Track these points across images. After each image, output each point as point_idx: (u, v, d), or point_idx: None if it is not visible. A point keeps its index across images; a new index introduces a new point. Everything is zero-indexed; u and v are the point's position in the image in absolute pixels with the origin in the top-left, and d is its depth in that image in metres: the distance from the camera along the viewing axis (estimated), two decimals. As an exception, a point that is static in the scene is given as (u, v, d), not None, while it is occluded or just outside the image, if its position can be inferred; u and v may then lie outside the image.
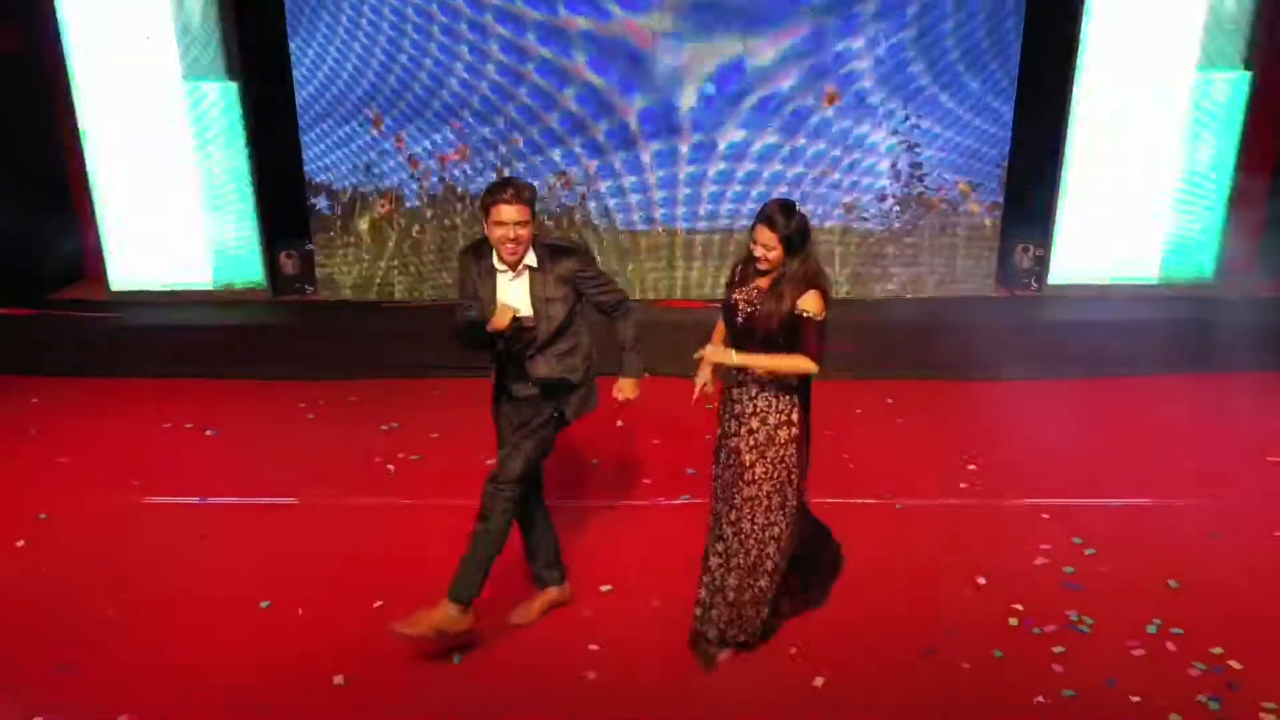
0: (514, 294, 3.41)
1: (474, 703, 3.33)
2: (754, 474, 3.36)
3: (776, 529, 3.41)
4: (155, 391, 6.13)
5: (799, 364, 3.26)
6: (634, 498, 4.76)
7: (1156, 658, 3.54)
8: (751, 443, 3.35)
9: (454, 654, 3.56)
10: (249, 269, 6.90)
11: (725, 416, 3.46)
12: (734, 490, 3.39)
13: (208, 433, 5.58)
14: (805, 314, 3.23)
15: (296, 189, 6.68)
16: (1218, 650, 3.55)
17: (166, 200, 6.73)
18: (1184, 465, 5.03)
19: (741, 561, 3.43)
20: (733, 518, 3.41)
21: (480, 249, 3.46)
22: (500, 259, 3.38)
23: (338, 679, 3.44)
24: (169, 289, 6.91)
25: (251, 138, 6.60)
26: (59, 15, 6.31)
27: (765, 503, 3.38)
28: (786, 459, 3.36)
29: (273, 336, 6.58)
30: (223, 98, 6.52)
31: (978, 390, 6.04)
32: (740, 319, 3.33)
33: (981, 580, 4.01)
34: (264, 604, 3.89)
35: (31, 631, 3.72)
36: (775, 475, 3.36)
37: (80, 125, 6.56)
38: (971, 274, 6.84)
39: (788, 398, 3.35)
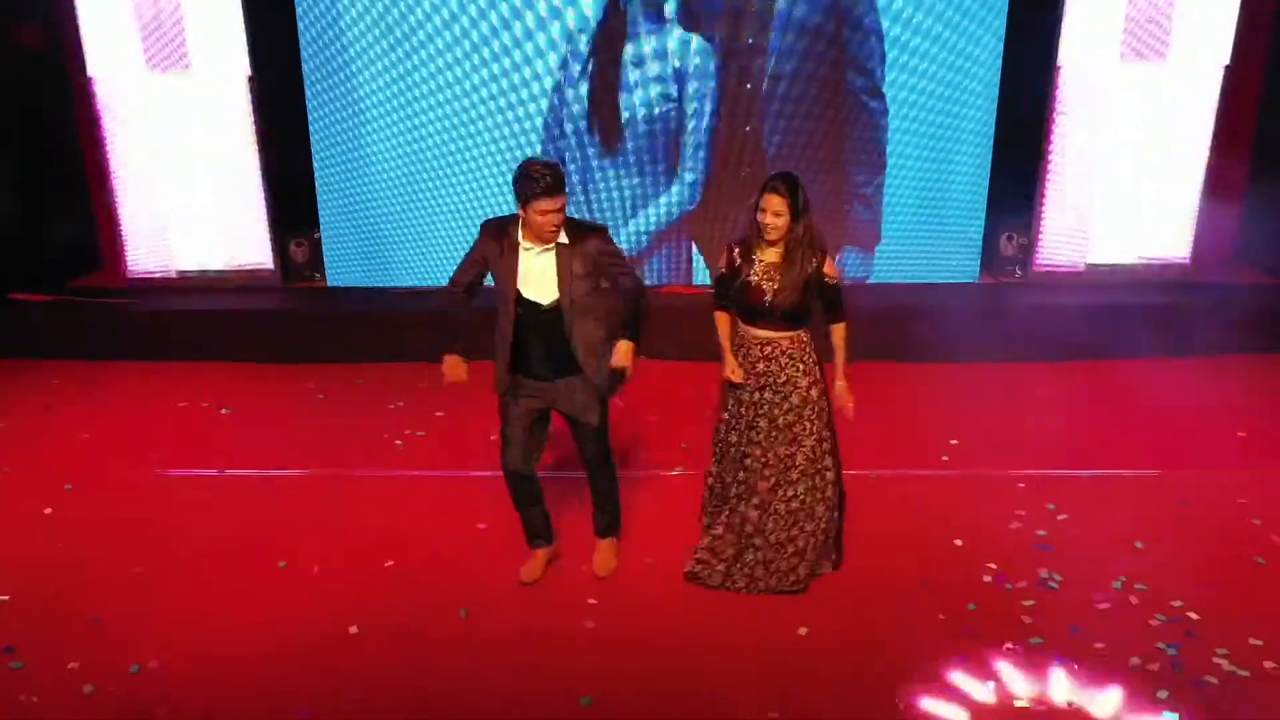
0: (538, 269, 3.54)
1: (480, 650, 3.57)
2: (795, 433, 3.69)
3: (829, 473, 3.78)
4: (171, 374, 6.36)
5: (846, 332, 3.72)
6: (632, 469, 4.98)
7: (1120, 610, 3.77)
8: (794, 403, 3.67)
9: (461, 608, 3.79)
10: (260, 257, 7.12)
11: (753, 388, 3.69)
12: (776, 450, 3.69)
13: (223, 411, 5.82)
14: (830, 281, 3.60)
15: (307, 180, 6.92)
16: (1178, 604, 3.78)
17: (181, 191, 6.97)
18: (1157, 440, 5.25)
19: (757, 507, 3.72)
20: (778, 476, 3.71)
21: (505, 226, 3.58)
22: (533, 239, 3.50)
23: (353, 629, 3.67)
24: (183, 276, 7.14)
25: (262, 131, 6.83)
26: (78, 12, 6.55)
27: (812, 454, 3.72)
28: (823, 411, 3.73)
29: (283, 322, 6.80)
30: (235, 91, 6.75)
31: (963, 372, 6.26)
32: (768, 298, 3.58)
33: (958, 542, 4.25)
34: (281, 564, 4.13)
35: (63, 589, 3.96)
36: (816, 429, 3.72)
37: (98, 118, 6.79)
38: (957, 261, 7.07)
39: (812, 359, 3.71)
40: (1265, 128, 7.08)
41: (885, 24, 6.61)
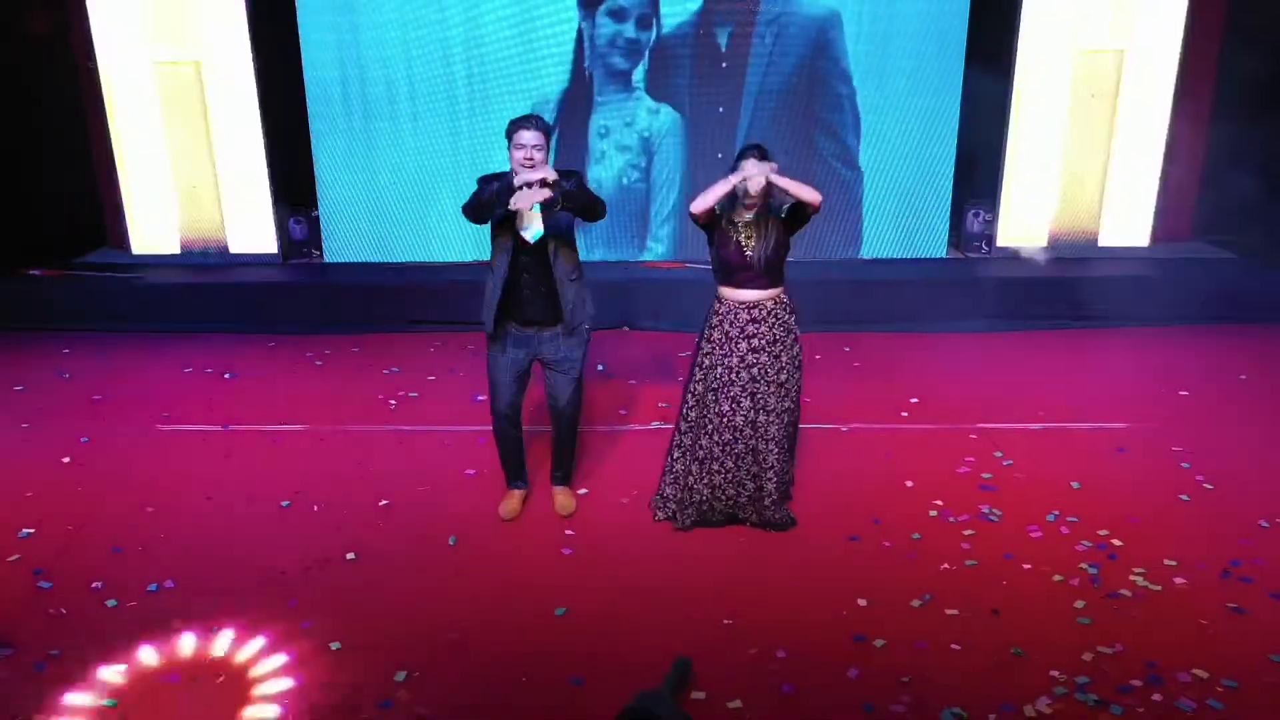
0: (528, 209, 3.86)
1: (466, 573, 3.91)
2: (787, 388, 4.03)
3: (796, 414, 4.17)
4: (175, 343, 6.70)
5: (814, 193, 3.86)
6: (613, 424, 5.33)
7: (1051, 538, 4.13)
8: (784, 362, 3.99)
9: (450, 536, 4.15)
10: (260, 233, 7.46)
11: (750, 350, 3.97)
12: (766, 401, 4.00)
13: (226, 376, 6.16)
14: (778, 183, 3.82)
15: (305, 160, 7.26)
16: (1104, 532, 4.14)
17: (185, 171, 7.31)
18: (1104, 398, 5.62)
19: (778, 451, 4.07)
20: (766, 422, 4.02)
21: (498, 176, 3.89)
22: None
23: (350, 555, 4.02)
24: (185, 252, 7.48)
25: (264, 114, 7.17)
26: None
27: (792, 403, 4.08)
28: (801, 364, 4.10)
29: (282, 295, 7.15)
30: (237, 76, 7.09)
31: (929, 341, 6.63)
32: (749, 253, 3.89)
33: (909, 483, 4.60)
34: (284, 503, 4.48)
35: (84, 524, 4.30)
36: (797, 380, 4.09)
37: (105, 102, 7.13)
38: (927, 236, 7.43)
39: (793, 318, 4.04)
40: (1220, 110, 7.44)
41: (856, 82, 6.99)
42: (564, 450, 4.39)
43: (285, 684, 3.24)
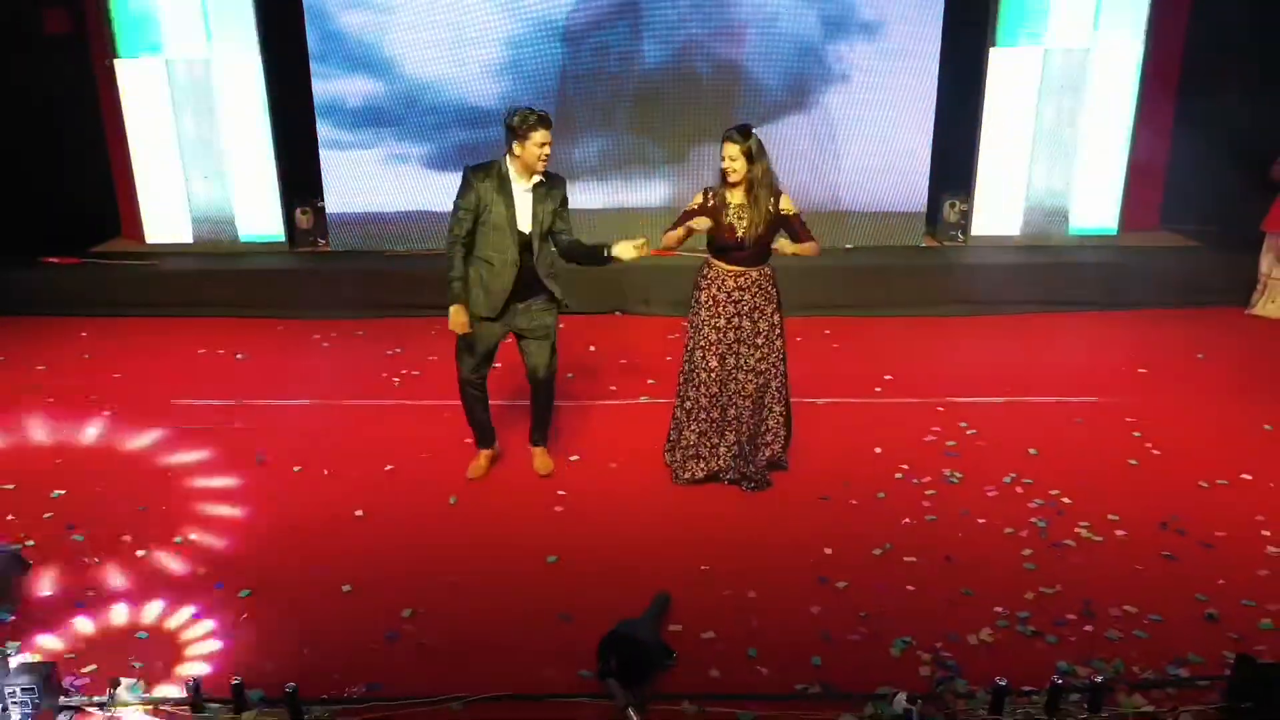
0: (521, 204, 4.20)
1: (466, 527, 4.25)
2: (765, 352, 4.39)
3: (783, 381, 4.55)
4: (189, 327, 7.04)
5: (813, 248, 4.31)
6: (604, 399, 5.67)
7: (1005, 497, 4.47)
8: (763, 328, 4.36)
9: (450, 496, 4.48)
10: (269, 223, 7.80)
11: (735, 314, 4.33)
12: (762, 362, 4.38)
13: (238, 356, 6.49)
14: (791, 213, 4.26)
15: (311, 152, 7.59)
16: (1055, 492, 4.48)
17: (195, 163, 7.64)
18: (1066, 375, 5.97)
19: (752, 409, 4.45)
20: (745, 380, 4.39)
21: (490, 168, 4.20)
22: (522, 172, 4.14)
23: (358, 512, 4.36)
24: (196, 241, 7.81)
25: (271, 107, 7.50)
26: (103, -2, 7.24)
27: (770, 365, 4.43)
28: (782, 331, 4.47)
29: (289, 282, 7.49)
30: (246, 71, 7.43)
31: (906, 324, 6.98)
32: (740, 234, 4.24)
33: (878, 450, 4.94)
34: (296, 469, 4.81)
35: (110, 486, 4.64)
36: (779, 346, 4.46)
37: (120, 96, 7.46)
38: (905, 227, 7.77)
39: (775, 290, 4.41)
40: (1184, 106, 7.78)
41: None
42: (543, 414, 4.70)
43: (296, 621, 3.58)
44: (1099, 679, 3.02)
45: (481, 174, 4.21)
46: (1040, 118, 7.52)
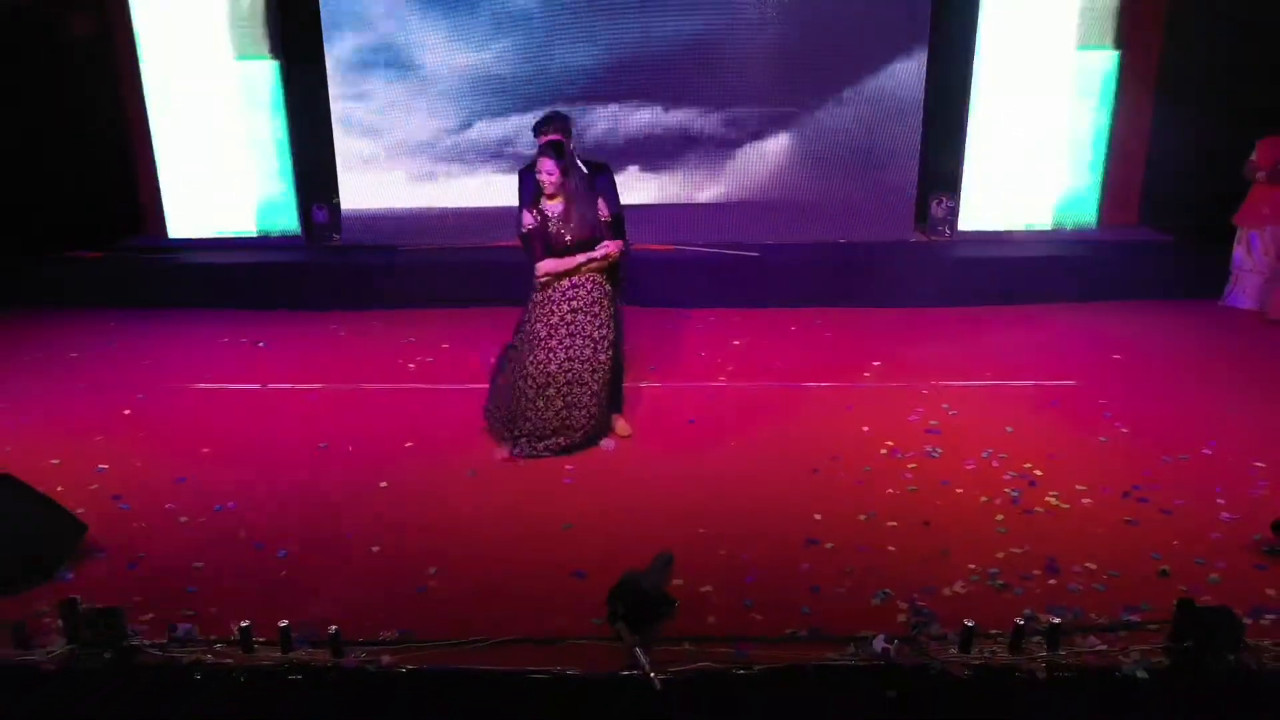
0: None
1: (482, 498, 4.59)
2: (607, 343, 4.81)
3: (617, 366, 5.05)
4: (212, 318, 7.39)
5: (616, 249, 4.74)
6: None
7: (982, 470, 4.81)
8: (602, 319, 4.78)
9: (469, 470, 4.83)
10: (287, 220, 8.15)
11: (565, 309, 4.73)
12: (592, 356, 4.79)
13: (259, 345, 6.84)
14: (605, 219, 4.69)
15: (328, 151, 7.94)
16: (1028, 465, 4.83)
17: (217, 161, 7.99)
18: (1045, 361, 6.32)
19: (598, 392, 4.90)
20: (579, 370, 4.80)
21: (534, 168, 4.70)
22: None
23: (382, 484, 4.70)
24: (218, 236, 8.16)
25: (290, 108, 7.85)
26: (129, 1, 7.56)
27: (606, 356, 4.85)
28: (612, 318, 4.85)
29: (307, 276, 7.84)
30: (266, 73, 7.78)
31: (895, 314, 7.33)
32: (569, 239, 4.67)
33: (865, 428, 5.29)
34: (322, 445, 5.16)
35: (149, 462, 4.99)
36: (609, 333, 4.84)
37: (145, 97, 7.81)
38: (895, 222, 8.13)
39: (607, 284, 4.80)
40: (1161, 108, 8.13)
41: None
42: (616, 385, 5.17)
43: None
44: (1057, 621, 3.37)
45: (530, 172, 4.75)
46: (1026, 118, 7.87)
